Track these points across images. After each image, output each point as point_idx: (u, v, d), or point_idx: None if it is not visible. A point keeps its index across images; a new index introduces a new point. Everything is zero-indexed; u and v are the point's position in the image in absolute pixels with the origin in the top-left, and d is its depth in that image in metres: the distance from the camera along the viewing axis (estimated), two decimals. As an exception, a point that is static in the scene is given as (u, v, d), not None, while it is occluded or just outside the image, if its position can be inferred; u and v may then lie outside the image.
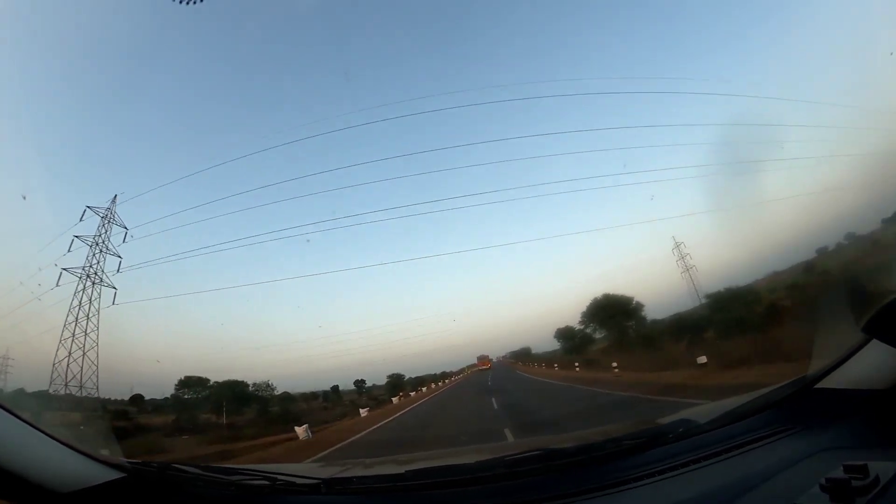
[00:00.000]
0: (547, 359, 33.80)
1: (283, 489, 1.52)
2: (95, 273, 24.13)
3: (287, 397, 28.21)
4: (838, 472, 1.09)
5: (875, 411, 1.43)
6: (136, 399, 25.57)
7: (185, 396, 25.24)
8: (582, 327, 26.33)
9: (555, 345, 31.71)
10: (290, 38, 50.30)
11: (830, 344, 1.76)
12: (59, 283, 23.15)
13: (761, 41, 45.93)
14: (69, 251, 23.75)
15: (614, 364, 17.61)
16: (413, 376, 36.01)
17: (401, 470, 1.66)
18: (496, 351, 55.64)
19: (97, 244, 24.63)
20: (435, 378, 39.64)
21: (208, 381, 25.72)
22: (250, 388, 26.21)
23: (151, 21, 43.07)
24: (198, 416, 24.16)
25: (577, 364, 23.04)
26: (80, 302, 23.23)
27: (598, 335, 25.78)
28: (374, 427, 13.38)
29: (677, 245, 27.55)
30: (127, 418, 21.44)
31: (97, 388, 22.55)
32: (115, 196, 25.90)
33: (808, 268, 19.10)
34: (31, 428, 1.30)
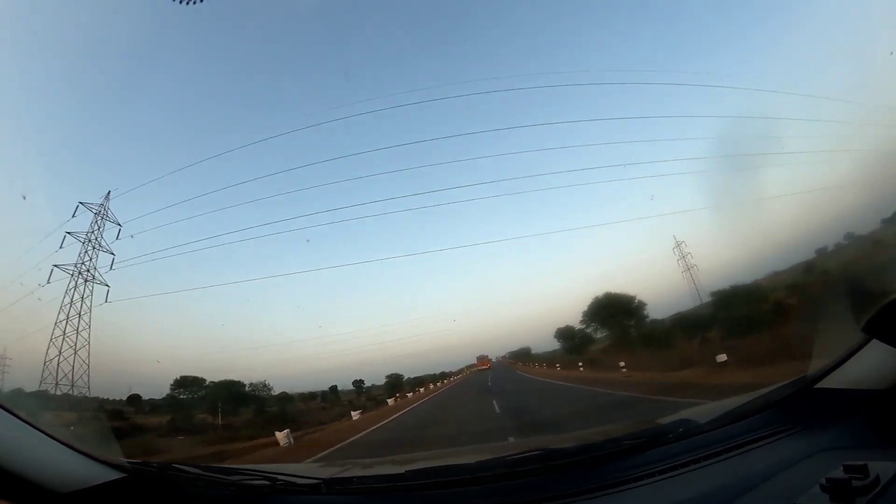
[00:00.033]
0: (547, 359, 33.48)
1: (283, 489, 1.53)
2: (88, 270, 23.82)
3: (285, 397, 28.03)
4: (838, 472, 1.09)
5: (875, 411, 1.44)
6: (134, 399, 25.35)
7: (181, 397, 25.01)
8: (583, 327, 26.10)
9: (554, 345, 31.62)
10: (286, 30, 50.07)
11: (830, 344, 1.76)
12: (51, 281, 22.87)
13: (763, 38, 45.90)
14: (61, 248, 23.43)
15: (622, 363, 16.97)
16: (412, 376, 35.90)
17: (401, 470, 1.66)
18: (495, 351, 55.68)
19: (90, 241, 24.24)
20: (434, 378, 39.47)
21: (204, 380, 25.50)
22: (247, 388, 25.97)
23: (144, 13, 42.91)
24: (193, 416, 23.92)
25: (580, 364, 22.50)
26: (71, 300, 22.93)
27: (599, 335, 25.59)
28: (366, 432, 12.58)
29: (678, 244, 27.52)
30: (122, 418, 21.10)
31: (88, 387, 22.33)
32: (109, 192, 25.57)
33: (808, 268, 19.03)
34: (31, 428, 1.30)
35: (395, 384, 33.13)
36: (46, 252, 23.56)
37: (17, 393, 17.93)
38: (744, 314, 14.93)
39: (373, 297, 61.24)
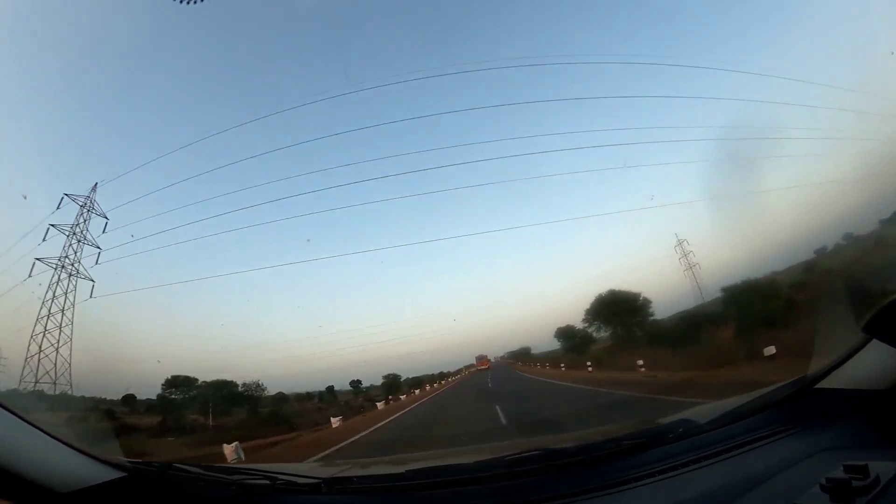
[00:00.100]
0: (548, 359, 32.80)
1: (283, 489, 1.53)
2: (72, 264, 23.15)
3: (281, 398, 27.70)
4: (838, 472, 1.09)
5: (875, 411, 1.44)
6: (129, 399, 24.89)
7: (173, 397, 24.57)
8: (585, 325, 25.28)
9: (554, 345, 31.13)
10: (282, 22, 49.89)
11: (831, 344, 1.76)
12: (32, 275, 22.22)
13: (764, 37, 45.87)
14: (44, 240, 22.69)
15: (640, 362, 15.40)
16: (410, 377, 35.52)
17: (401, 470, 1.66)
18: (494, 351, 55.54)
19: (74, 234, 23.50)
20: (432, 379, 39.06)
21: (196, 380, 25.06)
22: (240, 388, 25.46)
23: (135, 3, 42.59)
24: (185, 417, 23.45)
25: (589, 363, 20.87)
26: (54, 294, 22.33)
27: (603, 333, 24.83)
28: (340, 446, 10.06)
29: (679, 242, 27.43)
30: (113, 418, 20.46)
31: (71, 384, 21.80)
32: (96, 184, 24.89)
33: (807, 268, 19.00)
34: (30, 426, 1.30)
35: (393, 385, 32.79)
36: (29, 245, 22.88)
37: (8, 392, 17.75)
38: (776, 306, 13.58)
39: (371, 297, 61.37)
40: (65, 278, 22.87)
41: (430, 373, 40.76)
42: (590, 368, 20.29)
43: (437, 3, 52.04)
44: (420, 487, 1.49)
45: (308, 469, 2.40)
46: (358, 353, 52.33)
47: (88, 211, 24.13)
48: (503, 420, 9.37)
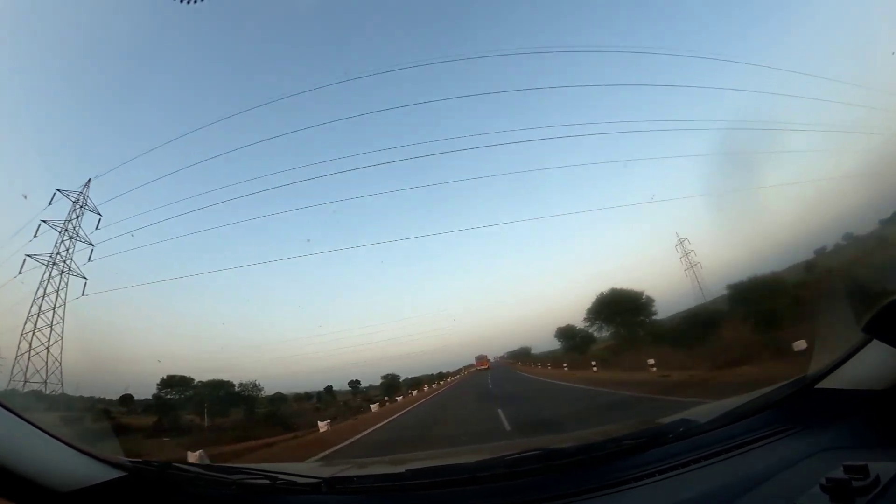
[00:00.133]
0: (549, 358, 32.59)
1: (283, 488, 1.53)
2: (63, 261, 22.71)
3: (279, 398, 27.48)
4: (838, 473, 1.09)
5: (875, 411, 1.44)
6: (126, 399, 24.57)
7: (169, 397, 24.24)
8: (587, 325, 24.93)
9: (554, 344, 31.02)
10: (278, 13, 49.69)
11: (831, 344, 1.76)
12: (22, 271, 21.88)
13: (766, 35, 45.82)
14: (35, 237, 22.31)
15: (650, 361, 14.60)
16: (409, 377, 35.44)
17: (401, 469, 1.66)
18: (494, 351, 55.60)
19: (67, 230, 23.02)
20: (431, 379, 38.99)
21: (192, 380, 24.68)
22: (236, 388, 25.11)
23: None
24: (180, 417, 23.15)
25: (594, 363, 20.29)
26: (44, 291, 21.95)
27: (604, 333, 24.46)
28: (325, 453, 9.00)
29: (681, 241, 27.37)
30: (108, 418, 19.75)
31: (62, 384, 21.48)
32: (89, 180, 24.37)
33: (807, 268, 18.94)
34: (31, 426, 1.30)
35: (391, 385, 32.69)
36: (21, 242, 22.53)
37: (2, 392, 17.62)
38: (802, 298, 12.69)
39: (371, 297, 61.45)
40: (56, 275, 22.53)
41: (430, 373, 40.80)
42: (595, 368, 19.66)
43: (438, -2, 51.85)
44: (420, 487, 1.49)
45: (308, 469, 2.40)
46: (357, 352, 52.43)
47: (81, 207, 23.69)
48: (507, 426, 8.57)
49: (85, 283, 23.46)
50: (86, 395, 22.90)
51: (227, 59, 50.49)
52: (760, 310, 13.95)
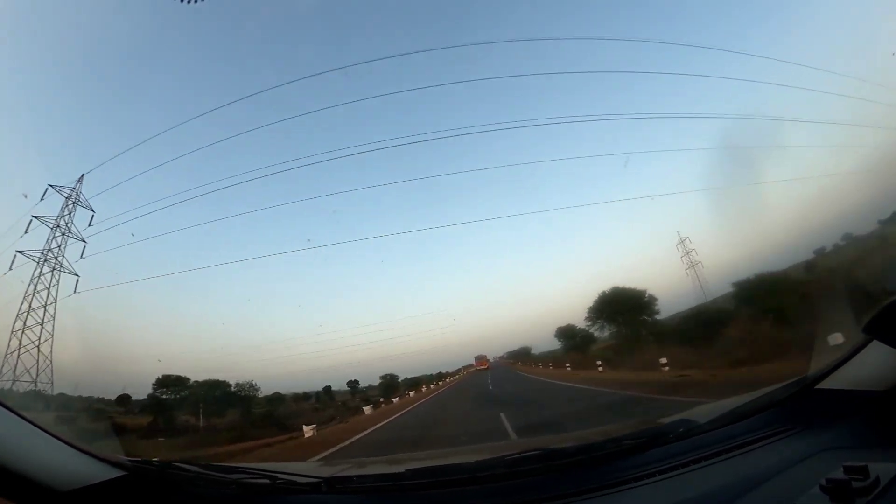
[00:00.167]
0: (550, 358, 32.32)
1: (283, 488, 1.53)
2: (55, 258, 22.35)
3: (277, 398, 27.32)
4: (838, 473, 1.09)
5: (876, 412, 1.44)
6: (123, 399, 24.32)
7: (164, 397, 23.97)
8: (589, 324, 24.48)
9: (554, 344, 30.85)
10: (275, 12, 49.58)
11: (831, 344, 1.76)
12: (13, 268, 21.57)
13: (767, 34, 45.73)
14: (26, 232, 21.92)
15: (663, 360, 13.82)
16: (408, 377, 35.27)
17: (401, 469, 1.66)
18: (493, 351, 55.64)
19: (59, 227, 22.64)
20: (430, 379, 38.84)
21: (188, 380, 24.40)
22: (232, 388, 24.79)
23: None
24: (175, 418, 22.91)
25: (599, 363, 19.61)
26: (34, 289, 21.61)
27: (606, 332, 24.05)
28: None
29: (682, 240, 27.28)
30: (103, 418, 19.86)
31: (52, 382, 21.17)
32: (82, 175, 24.01)
33: (807, 268, 18.88)
34: (30, 425, 1.30)
35: (390, 385, 32.47)
36: (12, 238, 22.16)
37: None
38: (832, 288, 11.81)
39: (371, 297, 61.54)
40: (47, 272, 22.17)
41: (429, 373, 40.71)
42: (600, 368, 19.01)
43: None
44: (420, 487, 1.49)
45: (308, 468, 2.40)
46: (357, 352, 52.51)
47: (74, 203, 23.30)
48: (513, 435, 7.77)
49: (77, 281, 23.25)
50: (81, 394, 22.83)
51: (217, 47, 50.31)
52: (783, 304, 13.32)
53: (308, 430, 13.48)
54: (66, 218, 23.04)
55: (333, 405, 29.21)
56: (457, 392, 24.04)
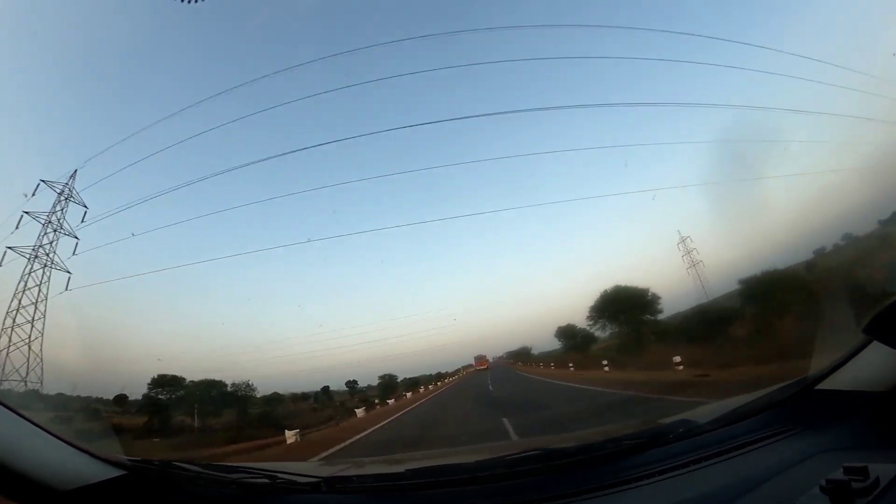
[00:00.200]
0: (551, 358, 32.10)
1: (283, 488, 1.52)
2: (47, 255, 21.95)
3: (275, 398, 27.18)
4: (838, 474, 1.09)
5: (875, 413, 1.44)
6: (121, 398, 24.12)
7: (160, 397, 23.72)
8: (590, 323, 24.16)
9: (554, 344, 30.77)
10: (274, 9, 49.44)
11: (831, 345, 1.76)
12: (2, 264, 21.07)
13: (768, 33, 45.61)
14: (17, 228, 21.46)
15: (677, 359, 12.99)
16: (407, 377, 35.19)
17: (401, 469, 1.66)
18: (493, 351, 55.65)
19: (50, 223, 22.20)
20: (429, 379, 38.74)
21: (184, 380, 24.13)
22: (229, 388, 24.54)
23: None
24: (171, 418, 22.71)
25: (605, 362, 18.90)
26: (25, 286, 21.25)
27: (608, 332, 23.74)
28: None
29: (683, 240, 27.23)
30: (98, 418, 19.32)
31: (42, 381, 20.90)
32: (75, 171, 23.46)
33: (807, 268, 18.85)
34: (30, 425, 1.30)
35: (389, 385, 32.42)
36: (2, 234, 21.66)
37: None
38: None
39: (370, 296, 61.52)
40: (38, 269, 21.81)
41: (428, 373, 40.68)
42: (606, 368, 18.31)
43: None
44: (420, 487, 1.49)
45: (308, 468, 2.40)
46: (356, 352, 52.56)
47: (66, 199, 22.88)
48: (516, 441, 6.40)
49: (69, 278, 22.88)
50: (76, 393, 22.40)
51: (218, 47, 50.28)
52: (797, 300, 12.84)
53: (290, 436, 11.79)
54: (59, 214, 22.70)
55: (332, 405, 29.12)
56: (457, 392, 23.75)
